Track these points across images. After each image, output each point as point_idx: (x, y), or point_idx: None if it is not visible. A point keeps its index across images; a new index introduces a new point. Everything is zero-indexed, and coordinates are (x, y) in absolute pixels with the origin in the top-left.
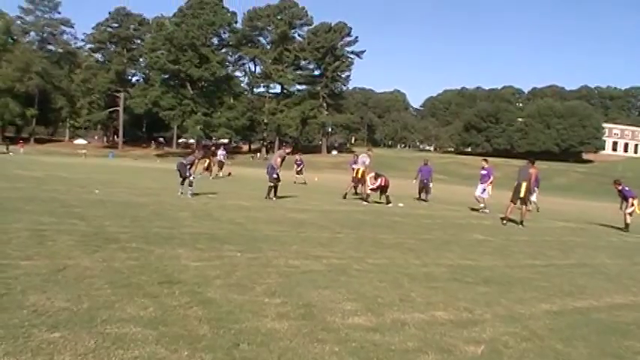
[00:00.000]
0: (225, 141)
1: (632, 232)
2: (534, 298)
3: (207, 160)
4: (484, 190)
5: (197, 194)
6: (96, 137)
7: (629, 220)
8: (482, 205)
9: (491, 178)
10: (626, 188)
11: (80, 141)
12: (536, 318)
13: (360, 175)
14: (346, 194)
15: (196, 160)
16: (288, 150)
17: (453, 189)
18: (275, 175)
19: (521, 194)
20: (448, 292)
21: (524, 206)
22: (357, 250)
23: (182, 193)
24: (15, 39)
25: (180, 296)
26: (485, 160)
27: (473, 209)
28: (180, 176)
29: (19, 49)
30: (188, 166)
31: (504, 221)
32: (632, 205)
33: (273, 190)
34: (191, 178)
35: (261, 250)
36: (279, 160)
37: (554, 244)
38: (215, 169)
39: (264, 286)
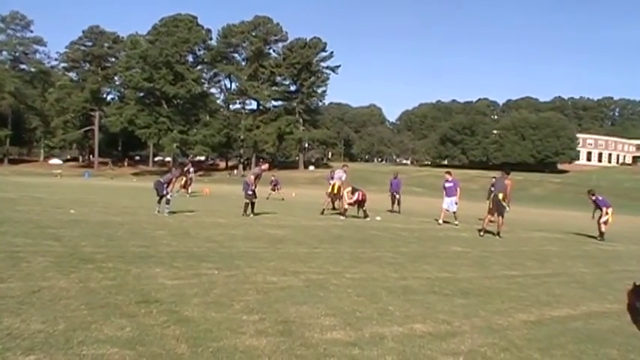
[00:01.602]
0: (202, 158)
1: (607, 240)
2: (512, 309)
3: (184, 178)
4: (455, 203)
5: (174, 212)
6: (68, 156)
7: (603, 228)
8: (455, 222)
9: (459, 190)
10: (600, 198)
11: (55, 161)
12: (514, 328)
13: (335, 190)
14: (324, 210)
15: (174, 179)
16: (264, 167)
17: (430, 201)
18: (250, 192)
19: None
20: (426, 304)
21: (500, 218)
22: (335, 265)
23: (159, 211)
24: None
25: (157, 315)
26: (449, 172)
27: (445, 222)
28: (158, 194)
29: None
30: (165, 185)
31: (481, 233)
32: (607, 214)
33: (250, 206)
34: (168, 196)
35: (238, 267)
36: (252, 177)
37: (531, 255)
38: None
39: (242, 303)
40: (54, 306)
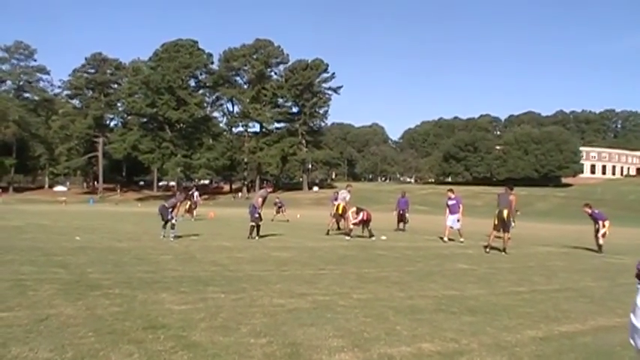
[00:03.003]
0: (206, 182)
1: (613, 253)
2: (520, 325)
3: (189, 202)
4: (458, 220)
5: (179, 237)
6: (68, 183)
7: (601, 241)
8: (461, 239)
9: (461, 207)
10: (596, 211)
11: (60, 188)
12: (522, 345)
13: (340, 211)
14: (329, 231)
15: (178, 203)
16: (269, 189)
17: (435, 219)
18: (257, 215)
19: (503, 220)
20: (434, 323)
21: (506, 234)
22: (341, 286)
23: (164, 236)
24: None
25: (165, 341)
26: (451, 190)
27: (451, 239)
28: (163, 219)
29: None
30: (170, 209)
31: (487, 249)
32: (604, 227)
33: (255, 229)
34: (173, 221)
35: (245, 291)
36: (260, 199)
37: (537, 270)
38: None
39: (250, 327)
40: (62, 334)
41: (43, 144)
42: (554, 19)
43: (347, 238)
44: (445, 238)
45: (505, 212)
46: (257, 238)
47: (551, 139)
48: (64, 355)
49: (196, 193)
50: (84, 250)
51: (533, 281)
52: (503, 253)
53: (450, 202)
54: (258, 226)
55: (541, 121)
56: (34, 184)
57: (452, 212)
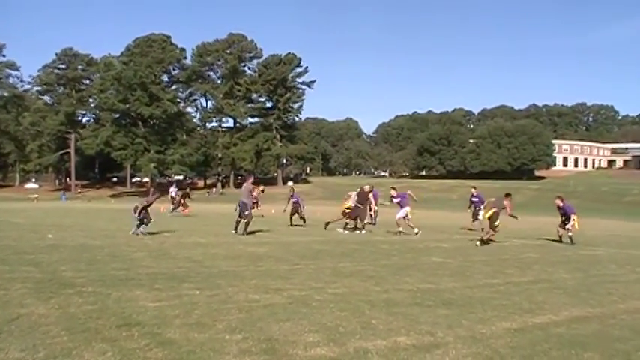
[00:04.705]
0: (180, 178)
1: (586, 244)
2: (495, 317)
3: (177, 199)
4: (406, 214)
5: (153, 233)
6: (37, 180)
7: (570, 233)
8: (400, 228)
9: (407, 199)
10: (567, 204)
11: (32, 185)
12: (497, 337)
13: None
14: (329, 223)
15: (154, 202)
16: (250, 181)
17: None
18: (247, 212)
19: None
20: (409, 316)
21: (492, 230)
22: (316, 281)
23: (137, 234)
24: None
25: (139, 338)
26: (394, 188)
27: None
28: (139, 219)
29: None
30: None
31: (478, 244)
32: (573, 220)
33: (244, 225)
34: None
35: (220, 287)
36: (253, 194)
37: (511, 262)
38: (170, 206)
39: (225, 323)
40: (33, 333)
41: (13, 141)
42: (527, 12)
43: (362, 232)
44: (411, 230)
45: (491, 211)
46: (244, 234)
47: (524, 132)
48: (36, 355)
49: (174, 189)
50: (56, 247)
51: (508, 273)
52: (477, 243)
53: (396, 200)
54: (247, 223)
55: (514, 114)
56: (4, 182)
57: (402, 206)
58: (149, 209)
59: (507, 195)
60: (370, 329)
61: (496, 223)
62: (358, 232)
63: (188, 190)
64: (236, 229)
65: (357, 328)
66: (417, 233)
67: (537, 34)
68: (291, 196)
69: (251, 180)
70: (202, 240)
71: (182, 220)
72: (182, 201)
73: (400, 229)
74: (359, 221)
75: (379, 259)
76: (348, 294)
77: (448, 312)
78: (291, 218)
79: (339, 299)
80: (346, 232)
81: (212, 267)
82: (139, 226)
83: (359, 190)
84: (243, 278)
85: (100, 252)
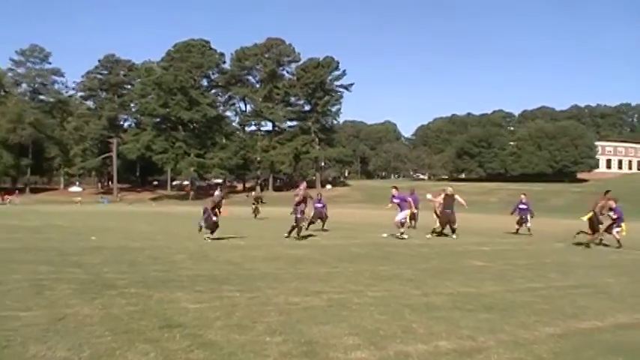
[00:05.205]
0: (220, 181)
1: (631, 248)
2: (537, 322)
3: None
4: (405, 216)
5: (218, 239)
6: (81, 183)
7: (618, 236)
8: (401, 230)
9: (409, 202)
10: (619, 207)
11: (75, 188)
12: (540, 342)
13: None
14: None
15: (221, 202)
16: (302, 186)
17: None
18: (299, 215)
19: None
20: (450, 320)
21: (597, 233)
22: (356, 284)
23: (205, 238)
24: (7, 91)
25: (181, 340)
26: (395, 187)
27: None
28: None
29: (11, 101)
30: (210, 209)
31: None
32: (621, 227)
33: (296, 229)
34: (214, 219)
35: (260, 289)
36: (297, 199)
37: (553, 266)
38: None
39: (265, 325)
40: (78, 333)
41: (58, 145)
42: (567, 13)
43: (427, 236)
44: (402, 231)
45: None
46: (295, 237)
47: (566, 133)
48: (81, 354)
49: (217, 192)
50: (99, 249)
51: (550, 277)
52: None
53: (396, 200)
54: (299, 227)
55: (555, 115)
56: (49, 185)
57: (402, 208)
58: (217, 211)
59: (606, 192)
60: (410, 333)
61: (600, 226)
62: (448, 237)
63: (259, 192)
64: (290, 233)
65: (398, 332)
66: (401, 234)
67: (579, 34)
68: (319, 200)
69: (302, 185)
70: (242, 242)
71: (221, 223)
72: (255, 205)
73: (402, 230)
74: (449, 225)
75: (418, 263)
76: (387, 297)
77: (489, 316)
78: (323, 223)
79: (379, 302)
80: (429, 235)
81: (252, 269)
82: (206, 228)
83: (443, 194)
84: (283, 281)
85: (140, 254)
